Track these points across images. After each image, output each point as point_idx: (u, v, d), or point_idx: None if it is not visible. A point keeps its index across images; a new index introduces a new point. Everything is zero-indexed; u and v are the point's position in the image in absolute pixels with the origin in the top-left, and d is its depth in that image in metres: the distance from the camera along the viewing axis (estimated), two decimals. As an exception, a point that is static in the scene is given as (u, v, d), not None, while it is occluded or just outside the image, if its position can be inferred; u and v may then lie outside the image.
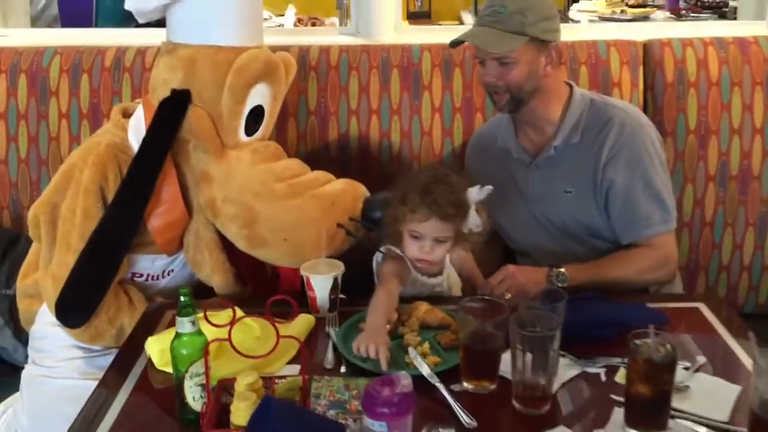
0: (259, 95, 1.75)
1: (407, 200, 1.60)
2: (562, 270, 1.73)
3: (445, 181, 1.60)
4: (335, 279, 1.60)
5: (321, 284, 1.60)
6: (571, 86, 1.88)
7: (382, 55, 2.19)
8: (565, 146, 1.83)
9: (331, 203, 1.74)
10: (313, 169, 2.11)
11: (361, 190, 1.82)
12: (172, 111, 1.69)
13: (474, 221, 1.60)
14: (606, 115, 1.82)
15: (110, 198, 1.67)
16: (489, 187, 1.61)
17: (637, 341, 1.19)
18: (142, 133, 1.72)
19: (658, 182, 1.80)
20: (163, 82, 1.72)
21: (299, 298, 1.46)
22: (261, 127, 1.79)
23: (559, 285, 1.70)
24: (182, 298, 1.22)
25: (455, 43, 1.83)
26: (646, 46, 2.18)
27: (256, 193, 1.71)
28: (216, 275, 1.80)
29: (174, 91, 1.70)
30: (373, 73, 2.17)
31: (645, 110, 2.12)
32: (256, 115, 1.76)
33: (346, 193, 1.79)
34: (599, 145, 1.80)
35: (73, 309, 1.68)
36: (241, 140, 1.75)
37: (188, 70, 1.69)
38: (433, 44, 2.21)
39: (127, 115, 1.81)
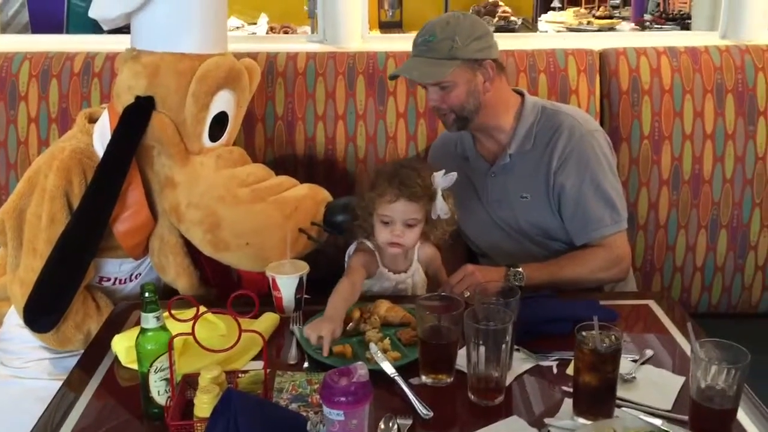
0: (223, 102, 1.78)
1: (375, 186, 1.68)
2: (520, 269, 1.79)
3: (411, 166, 1.69)
4: (301, 279, 1.65)
5: (287, 284, 1.64)
6: (522, 95, 1.95)
7: (348, 62, 2.24)
8: (519, 153, 1.89)
9: (293, 208, 1.78)
10: (280, 173, 2.15)
11: (324, 195, 1.86)
12: (136, 118, 1.71)
13: (442, 207, 1.67)
14: (556, 122, 1.88)
15: (75, 203, 1.70)
16: (453, 174, 1.68)
17: (584, 333, 1.25)
18: (107, 138, 1.74)
19: (608, 185, 1.86)
20: (127, 88, 1.74)
21: (263, 299, 1.50)
22: (225, 133, 1.82)
23: (517, 284, 1.76)
24: (147, 294, 1.26)
25: (393, 77, 1.90)
26: (602, 55, 2.26)
27: (220, 197, 1.74)
28: (181, 279, 1.83)
29: (138, 98, 1.72)
30: (339, 79, 2.22)
31: (601, 117, 2.20)
32: (220, 121, 1.79)
33: (309, 197, 1.82)
34: (550, 151, 1.87)
35: (42, 314, 1.70)
36: (205, 146, 1.78)
37: (152, 77, 1.72)
38: (397, 51, 2.27)
39: (92, 120, 1.83)
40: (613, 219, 1.86)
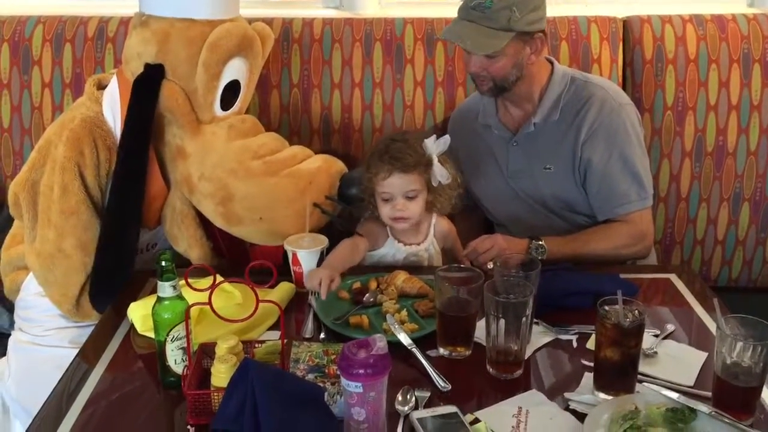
0: (235, 70, 1.74)
1: (370, 165, 1.67)
2: (542, 243, 1.76)
3: (400, 139, 1.68)
4: (321, 253, 1.63)
5: (307, 259, 1.62)
6: (552, 63, 1.90)
7: (366, 29, 2.20)
8: (545, 123, 1.85)
9: (307, 182, 1.74)
10: (295, 141, 2.12)
11: (338, 167, 1.81)
12: (148, 88, 1.67)
13: (441, 172, 1.65)
14: (586, 93, 1.84)
15: (87, 173, 1.67)
16: (446, 137, 1.66)
17: (606, 307, 1.23)
18: (117, 105, 1.71)
19: (636, 160, 1.82)
20: (136, 55, 1.70)
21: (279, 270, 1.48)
22: (237, 102, 1.78)
23: (539, 257, 1.73)
24: (163, 263, 1.24)
25: (443, 39, 1.83)
26: (626, 23, 2.21)
27: (232, 170, 1.70)
28: (193, 249, 1.81)
29: (147, 66, 1.68)
30: (356, 46, 2.18)
31: (624, 87, 2.15)
32: (232, 89, 1.75)
33: (323, 170, 1.78)
34: (578, 123, 1.82)
35: (105, 297, 1.68)
36: (216, 115, 1.74)
37: (161, 45, 1.67)
38: (416, 18, 2.22)
39: (101, 87, 1.80)
40: (639, 195, 1.82)
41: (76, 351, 1.66)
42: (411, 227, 1.73)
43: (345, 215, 1.80)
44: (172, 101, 1.68)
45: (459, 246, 1.82)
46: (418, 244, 1.76)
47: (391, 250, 1.76)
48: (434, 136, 1.66)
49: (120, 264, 1.68)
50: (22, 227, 1.80)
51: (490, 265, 1.62)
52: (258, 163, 1.72)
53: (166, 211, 1.80)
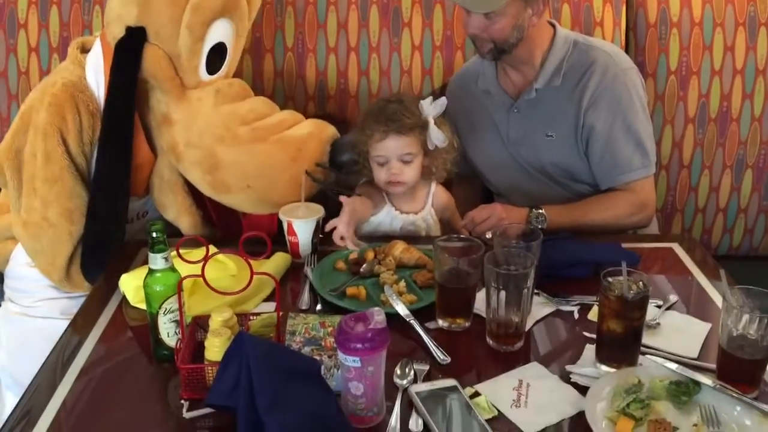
0: (220, 32, 1.66)
1: (365, 127, 1.64)
2: (542, 211, 1.73)
3: (396, 100, 1.64)
4: (317, 222, 1.59)
5: (303, 228, 1.58)
6: (554, 26, 1.85)
7: (361, -9, 2.14)
8: (547, 89, 1.80)
9: (297, 149, 1.67)
10: (289, 106, 2.08)
11: (329, 132, 1.75)
12: (129, 52, 1.61)
13: (437, 135, 1.61)
14: (589, 58, 1.79)
15: (69, 139, 1.62)
16: (442, 99, 1.62)
17: (610, 279, 1.20)
18: (100, 69, 1.66)
19: (640, 127, 1.78)
20: (117, 18, 1.63)
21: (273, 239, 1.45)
22: (224, 65, 1.71)
23: (539, 226, 1.70)
24: (154, 234, 1.20)
25: None
26: (630, -15, 2.15)
27: (219, 137, 1.65)
28: (182, 218, 1.77)
29: (129, 29, 1.62)
30: (352, 9, 2.12)
31: (627, 51, 2.10)
32: (218, 52, 1.68)
33: (314, 136, 1.71)
34: (581, 88, 1.78)
35: (96, 266, 1.64)
36: (202, 80, 1.68)
37: (143, 7, 1.60)
38: (414, -20, 2.16)
39: (85, 50, 1.73)
40: (642, 163, 1.78)
41: (68, 322, 1.64)
42: (408, 193, 1.70)
43: (340, 182, 1.76)
44: (155, 66, 1.62)
45: (457, 217, 1.79)
46: (416, 213, 1.73)
47: (388, 217, 1.73)
48: (430, 97, 1.63)
49: (109, 233, 1.64)
50: (8, 196, 1.76)
51: (489, 235, 1.59)
52: (246, 129, 1.67)
53: (154, 179, 1.76)
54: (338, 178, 1.73)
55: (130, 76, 1.61)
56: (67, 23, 2.11)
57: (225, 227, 1.82)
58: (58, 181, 1.62)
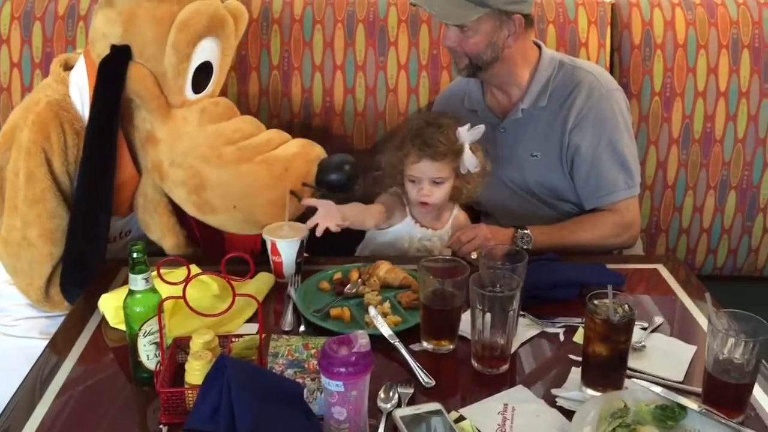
0: (206, 51, 1.64)
1: (401, 146, 1.67)
2: (527, 232, 1.73)
3: (435, 123, 1.67)
4: (301, 242, 1.57)
5: (287, 248, 1.56)
6: (540, 47, 1.85)
7: (348, 9, 2.13)
8: (533, 109, 1.81)
9: (283, 169, 1.66)
10: (274, 125, 2.06)
11: (316, 152, 1.73)
12: (113, 70, 1.59)
13: (471, 161, 1.65)
14: (575, 79, 1.79)
15: (54, 158, 1.60)
16: (481, 127, 1.65)
17: (596, 302, 1.19)
18: (84, 87, 1.64)
19: (624, 148, 1.79)
20: (101, 36, 1.62)
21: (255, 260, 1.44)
22: (210, 84, 1.69)
23: (524, 246, 1.70)
24: (135, 255, 1.19)
25: (414, 4, 1.78)
26: (614, 6, 2.16)
27: (204, 157, 1.63)
28: (167, 238, 1.76)
29: (113, 48, 1.60)
30: (338, 27, 2.12)
31: (611, 71, 2.11)
32: (204, 71, 1.66)
33: (300, 156, 1.70)
34: (567, 108, 1.78)
35: (75, 286, 1.62)
36: (188, 99, 1.66)
37: (128, 25, 1.59)
38: (399, -1, 2.16)
39: (68, 67, 1.71)
40: (626, 184, 1.79)
41: (46, 342, 1.61)
42: (434, 212, 1.73)
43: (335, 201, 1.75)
44: (140, 84, 1.60)
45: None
46: (435, 230, 1.75)
47: (406, 227, 1.75)
48: (468, 125, 1.65)
49: (90, 253, 1.62)
50: None
51: (474, 255, 1.60)
52: (232, 149, 1.65)
53: (138, 198, 1.74)
54: (323, 198, 1.72)
55: (113, 94, 1.60)
56: (50, 39, 2.09)
57: (209, 247, 1.80)
58: (40, 202, 1.60)
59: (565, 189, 1.82)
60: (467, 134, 1.65)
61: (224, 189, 1.64)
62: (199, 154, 1.63)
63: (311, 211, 1.65)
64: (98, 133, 1.60)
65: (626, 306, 1.19)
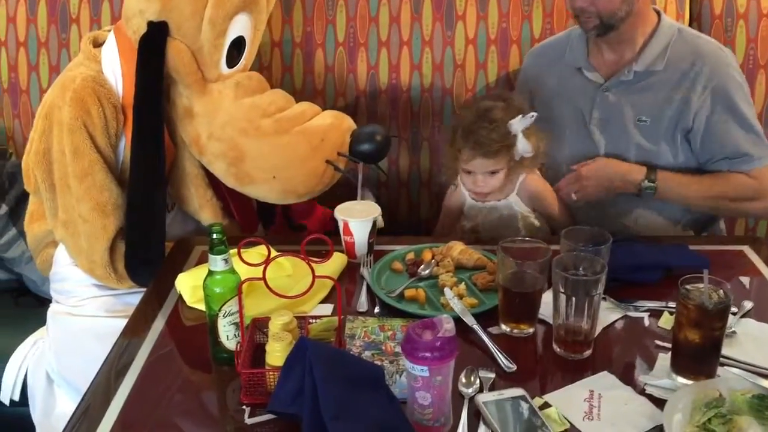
0: (240, 26, 1.65)
1: (454, 142, 1.68)
2: (654, 184, 1.70)
3: (487, 118, 1.63)
4: (374, 222, 1.56)
5: (360, 228, 1.54)
6: (659, 13, 1.78)
7: (414, -17, 2.09)
8: (647, 72, 1.73)
9: (320, 140, 1.68)
10: (340, 102, 2.07)
11: (348, 123, 1.76)
12: (154, 47, 1.60)
13: (524, 147, 1.64)
14: (697, 47, 1.73)
15: (96, 133, 1.60)
16: (532, 114, 1.62)
17: (688, 286, 1.14)
18: (117, 63, 1.65)
19: (753, 120, 1.74)
20: (138, 12, 1.62)
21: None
22: (242, 58, 1.70)
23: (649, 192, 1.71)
24: (215, 236, 1.18)
25: None
26: (694, -25, 2.06)
27: (242, 129, 1.64)
28: (204, 210, 1.77)
29: (150, 24, 1.60)
30: (405, 2, 2.07)
31: (690, 43, 2.01)
32: (237, 46, 1.67)
33: (335, 127, 1.72)
34: (691, 78, 1.71)
35: (141, 265, 1.63)
36: (222, 73, 1.67)
37: (165, 2, 1.59)
38: (467, -28, 2.10)
39: (97, 44, 1.72)
40: (760, 153, 1.72)
41: (113, 319, 1.64)
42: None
43: (353, 172, 1.75)
44: (178, 60, 1.61)
45: (548, 190, 1.78)
46: (498, 201, 1.74)
47: (473, 210, 1.78)
48: (519, 116, 1.62)
49: (152, 231, 1.63)
50: (37, 203, 1.75)
51: (574, 197, 1.70)
52: (268, 121, 1.67)
53: (173, 172, 1.75)
54: (353, 167, 1.74)
55: (157, 69, 1.61)
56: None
57: (244, 218, 1.83)
58: (89, 175, 1.61)
59: (667, 158, 1.75)
60: (519, 124, 1.62)
61: (263, 160, 1.66)
62: (238, 127, 1.65)
63: (345, 180, 1.71)
64: (146, 110, 1.61)
65: (721, 292, 1.13)
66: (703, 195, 1.72)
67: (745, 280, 1.47)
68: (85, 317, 1.72)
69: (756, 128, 1.73)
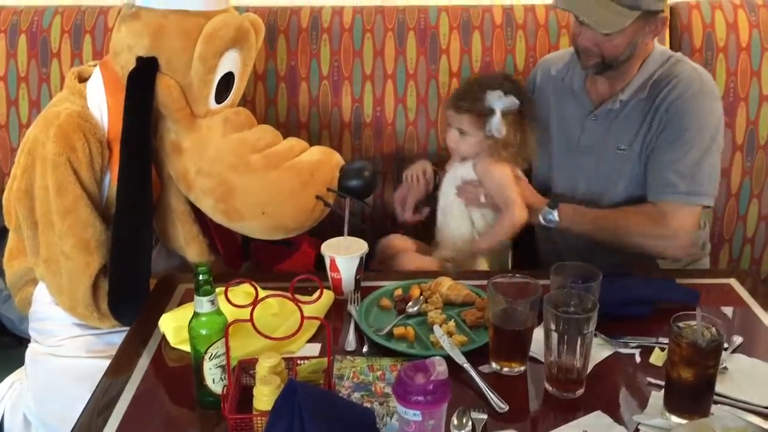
0: (230, 62, 1.66)
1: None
2: (555, 214, 1.72)
3: (477, 82, 1.82)
4: (361, 259, 1.54)
5: (347, 265, 1.53)
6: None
7: (398, 17, 2.09)
8: (631, 101, 1.73)
9: (310, 175, 1.69)
10: (325, 135, 2.07)
11: (337, 159, 1.77)
12: (143, 82, 1.59)
13: (495, 125, 1.72)
14: (675, 71, 1.71)
15: (81, 170, 1.58)
16: (513, 99, 1.72)
17: (680, 324, 1.14)
18: (103, 98, 1.64)
19: (702, 153, 1.67)
20: (127, 48, 1.61)
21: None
22: (231, 94, 1.71)
23: (550, 225, 1.74)
24: (201, 277, 1.16)
25: (560, 7, 1.70)
26: (674, 9, 2.09)
27: (232, 165, 1.64)
28: (190, 247, 1.75)
29: (140, 59, 1.60)
30: (389, 36, 2.08)
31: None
32: (225, 81, 1.67)
33: (324, 163, 1.73)
34: (660, 100, 1.70)
35: (124, 305, 1.60)
36: (211, 108, 1.67)
37: (155, 37, 1.59)
38: (450, 5, 2.12)
39: (82, 79, 1.71)
40: (688, 189, 1.67)
41: (94, 360, 1.60)
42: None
43: (342, 206, 1.75)
44: (168, 96, 1.60)
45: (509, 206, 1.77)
46: (460, 163, 1.84)
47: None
48: (500, 92, 1.72)
49: (137, 269, 1.60)
50: (17, 240, 1.72)
51: (483, 199, 1.77)
52: (258, 156, 1.67)
53: (159, 208, 1.73)
54: (342, 202, 1.75)
55: (146, 105, 1.60)
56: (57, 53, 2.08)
57: (229, 254, 1.81)
58: (72, 212, 1.58)
59: (638, 188, 1.74)
60: (497, 100, 1.71)
61: (252, 196, 1.65)
62: (227, 162, 1.64)
63: (334, 215, 1.73)
64: (135, 146, 1.59)
65: (714, 329, 1.13)
66: (606, 227, 1.70)
67: (732, 312, 1.47)
68: (65, 358, 1.67)
69: (700, 168, 1.68)
